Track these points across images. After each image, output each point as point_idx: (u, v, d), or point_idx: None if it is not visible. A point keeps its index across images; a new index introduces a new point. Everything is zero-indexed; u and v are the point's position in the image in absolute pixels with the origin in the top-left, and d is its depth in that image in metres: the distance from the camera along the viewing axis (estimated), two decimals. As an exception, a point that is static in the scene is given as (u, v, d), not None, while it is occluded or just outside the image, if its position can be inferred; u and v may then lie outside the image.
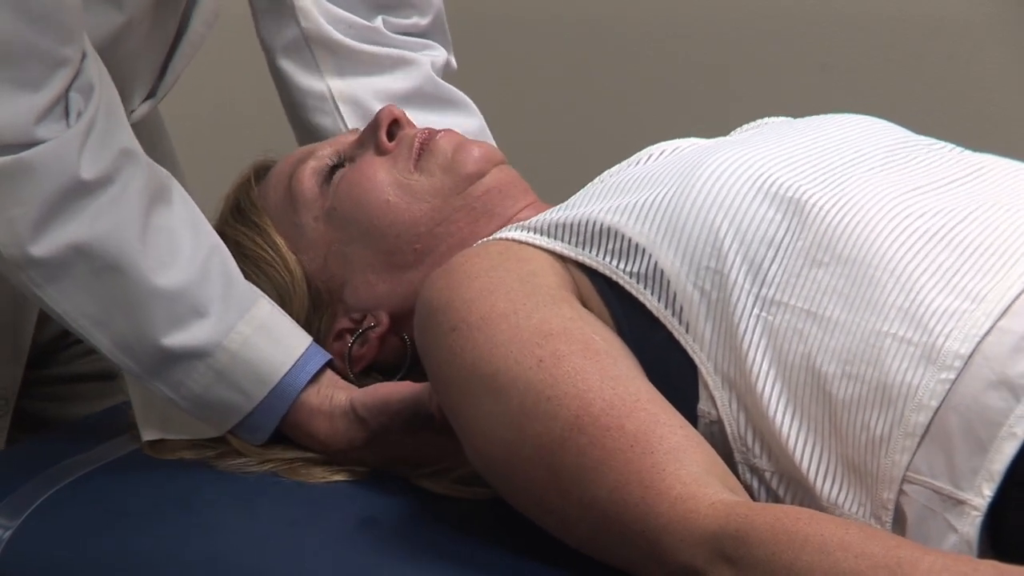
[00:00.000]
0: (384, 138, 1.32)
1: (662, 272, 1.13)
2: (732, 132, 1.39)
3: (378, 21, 1.55)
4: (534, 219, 1.22)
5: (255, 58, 1.62)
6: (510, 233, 1.22)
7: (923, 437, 1.02)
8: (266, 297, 1.28)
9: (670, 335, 1.13)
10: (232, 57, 1.97)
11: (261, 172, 1.38)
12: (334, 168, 1.33)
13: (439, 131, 1.32)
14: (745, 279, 1.10)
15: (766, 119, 1.38)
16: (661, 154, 1.28)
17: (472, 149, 1.31)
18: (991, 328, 1.02)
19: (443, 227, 1.29)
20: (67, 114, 1.21)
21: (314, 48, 1.53)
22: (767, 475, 1.10)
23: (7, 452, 1.36)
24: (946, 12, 2.21)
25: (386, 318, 1.30)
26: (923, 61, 2.24)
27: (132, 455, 1.29)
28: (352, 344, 1.30)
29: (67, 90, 1.20)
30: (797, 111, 1.43)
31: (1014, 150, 1.29)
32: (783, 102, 1.52)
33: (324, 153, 1.34)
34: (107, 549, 1.18)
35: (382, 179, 1.30)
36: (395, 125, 1.33)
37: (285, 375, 1.26)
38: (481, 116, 1.56)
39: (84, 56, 1.22)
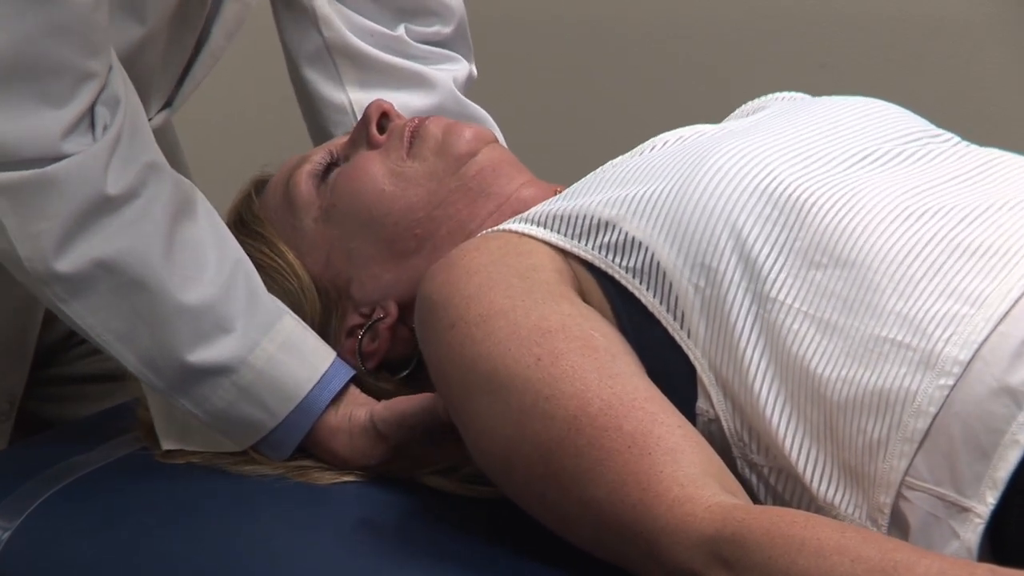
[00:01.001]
0: (374, 131, 1.32)
1: (659, 266, 1.13)
2: (742, 106, 1.38)
3: (400, 30, 1.56)
4: (534, 210, 1.22)
5: (264, 66, 1.62)
6: (510, 225, 1.22)
7: (922, 443, 1.02)
8: (290, 312, 1.28)
9: (666, 331, 1.13)
10: (240, 64, 1.98)
11: (260, 186, 1.38)
12: (329, 169, 1.33)
13: (427, 117, 1.33)
14: (741, 276, 1.10)
15: (780, 94, 1.37)
16: (664, 144, 1.27)
17: (462, 130, 1.32)
18: (991, 333, 1.02)
19: (441, 210, 1.29)
20: (93, 128, 1.21)
21: (336, 58, 1.53)
22: (765, 471, 1.10)
23: (7, 452, 1.37)
24: (946, 12, 2.21)
25: (394, 308, 1.30)
26: (923, 61, 2.24)
27: (132, 456, 1.30)
28: (362, 338, 1.30)
29: (93, 104, 1.20)
30: (796, 110, 1.42)
31: (1014, 150, 1.28)
32: (781, 101, 1.52)
33: (318, 156, 1.34)
34: (107, 550, 1.18)
35: (376, 170, 1.30)
36: (384, 118, 1.33)
37: (309, 393, 1.26)
38: (500, 134, 1.56)
39: (110, 69, 1.22)
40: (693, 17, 2.18)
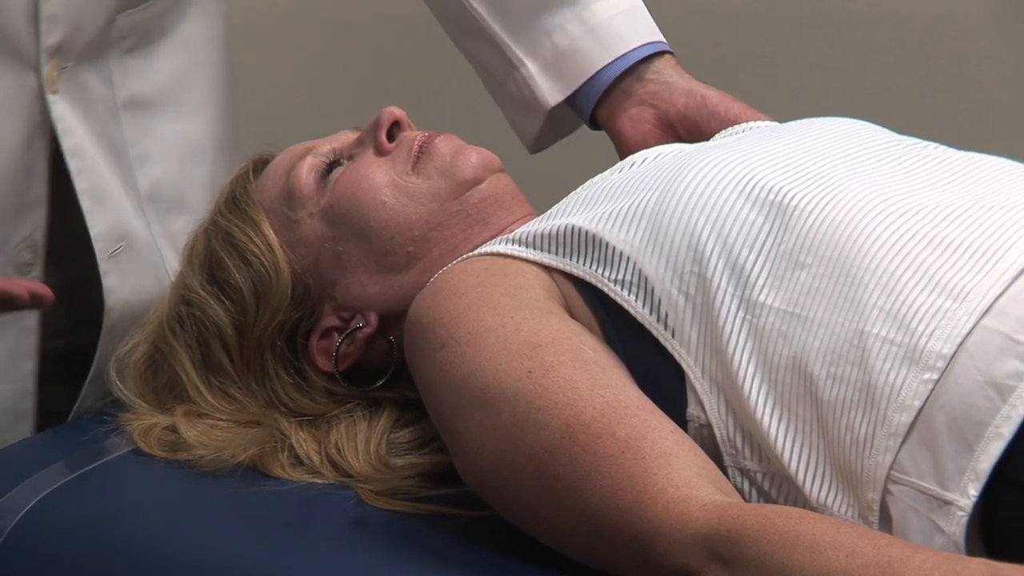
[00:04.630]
0: (384, 139, 1.34)
1: (646, 279, 1.16)
2: (715, 136, 1.41)
3: None
4: (518, 231, 1.25)
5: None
6: (495, 247, 1.25)
7: (906, 437, 1.05)
8: None
9: (657, 341, 1.16)
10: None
11: (260, 166, 1.40)
12: (332, 165, 1.35)
13: (439, 135, 1.35)
14: (728, 282, 1.14)
15: (750, 124, 1.41)
16: (644, 161, 1.31)
17: (470, 155, 1.33)
18: (974, 327, 1.05)
19: (437, 232, 1.31)
20: None
21: None
22: (757, 476, 1.13)
23: (4, 451, 1.38)
24: (940, 11, 2.22)
25: (375, 319, 1.32)
26: (916, 60, 2.25)
27: (127, 455, 1.31)
28: (340, 342, 1.32)
29: None
30: (788, 110, 1.45)
31: (1011, 150, 1.30)
32: (774, 101, 1.53)
33: (323, 150, 1.36)
34: (101, 551, 1.20)
35: (380, 180, 1.32)
36: (396, 127, 1.35)
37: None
38: None
39: None
40: (685, 18, 2.19)
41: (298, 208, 1.34)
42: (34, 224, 1.49)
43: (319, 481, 1.27)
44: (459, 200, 1.32)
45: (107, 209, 1.51)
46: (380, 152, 1.34)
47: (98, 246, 1.51)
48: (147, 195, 1.56)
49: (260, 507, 1.23)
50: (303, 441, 1.29)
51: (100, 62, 1.51)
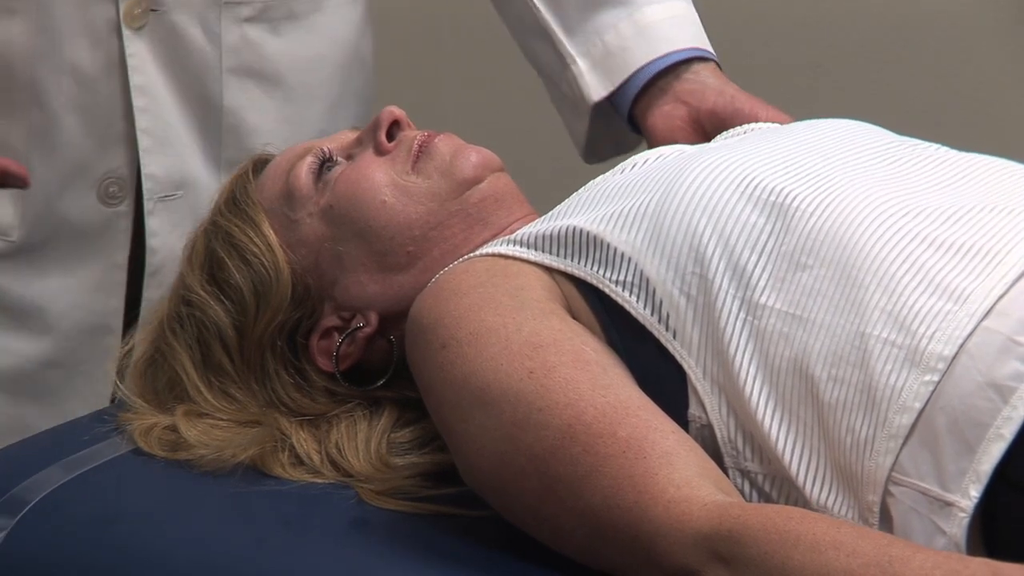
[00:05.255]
0: (384, 138, 1.34)
1: (647, 280, 1.17)
2: (717, 137, 1.42)
3: None
4: (519, 232, 1.25)
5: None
6: (496, 248, 1.25)
7: (907, 438, 1.06)
8: None
9: (658, 342, 1.16)
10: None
11: (260, 166, 1.41)
12: (332, 165, 1.36)
13: (438, 134, 1.35)
14: (729, 284, 1.14)
15: (752, 125, 1.41)
16: (645, 162, 1.31)
17: (470, 154, 1.34)
18: (975, 329, 1.06)
19: (437, 231, 1.32)
20: None
21: None
22: (758, 478, 1.14)
23: (4, 451, 1.39)
24: (941, 12, 2.23)
25: (375, 319, 1.33)
26: (917, 61, 2.26)
27: (128, 455, 1.32)
28: (341, 342, 1.33)
29: None
30: (790, 111, 1.46)
31: (1012, 151, 1.31)
32: (775, 102, 1.54)
33: (323, 150, 1.36)
34: (102, 550, 1.21)
35: (379, 179, 1.33)
36: (395, 126, 1.35)
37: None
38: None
39: None
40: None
41: (298, 208, 1.34)
42: (120, 159, 1.55)
43: (319, 481, 1.27)
44: (459, 200, 1.33)
45: (168, 154, 1.56)
46: (380, 152, 1.35)
47: (148, 185, 1.56)
48: (231, 160, 1.59)
49: (260, 507, 1.24)
50: (303, 441, 1.30)
51: (208, 20, 1.55)
